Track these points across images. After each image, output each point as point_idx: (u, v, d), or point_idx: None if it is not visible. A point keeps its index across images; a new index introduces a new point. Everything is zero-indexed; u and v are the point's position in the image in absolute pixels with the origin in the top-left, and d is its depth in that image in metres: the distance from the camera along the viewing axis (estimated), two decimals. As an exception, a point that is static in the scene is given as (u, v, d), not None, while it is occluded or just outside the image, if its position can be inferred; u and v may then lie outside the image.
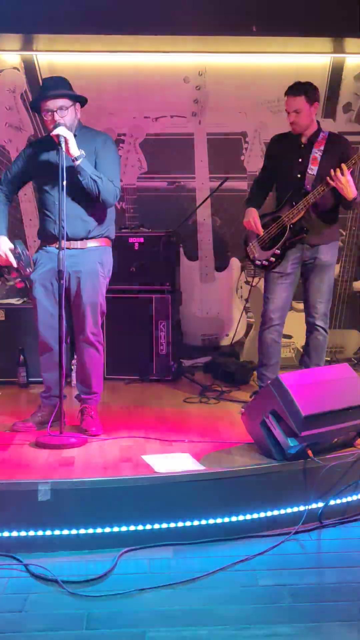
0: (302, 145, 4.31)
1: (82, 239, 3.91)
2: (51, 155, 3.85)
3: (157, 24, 5.15)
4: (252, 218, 4.42)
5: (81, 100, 3.92)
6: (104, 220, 3.96)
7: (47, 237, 3.99)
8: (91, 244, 3.94)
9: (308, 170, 4.25)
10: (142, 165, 5.77)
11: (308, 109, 4.21)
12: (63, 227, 3.68)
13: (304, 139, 4.31)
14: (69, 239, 3.86)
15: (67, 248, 3.85)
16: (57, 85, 3.86)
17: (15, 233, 5.75)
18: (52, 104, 3.80)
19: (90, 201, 3.86)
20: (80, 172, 3.76)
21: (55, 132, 3.70)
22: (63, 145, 3.68)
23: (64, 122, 3.77)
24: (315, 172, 4.23)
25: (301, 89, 4.22)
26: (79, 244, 3.91)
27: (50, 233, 3.94)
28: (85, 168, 3.77)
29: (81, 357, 4.02)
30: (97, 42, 5.43)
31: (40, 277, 3.95)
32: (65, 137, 3.68)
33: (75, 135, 3.82)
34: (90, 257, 3.92)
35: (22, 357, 5.09)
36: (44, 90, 3.88)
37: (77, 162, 3.74)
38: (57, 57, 5.62)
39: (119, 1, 5.07)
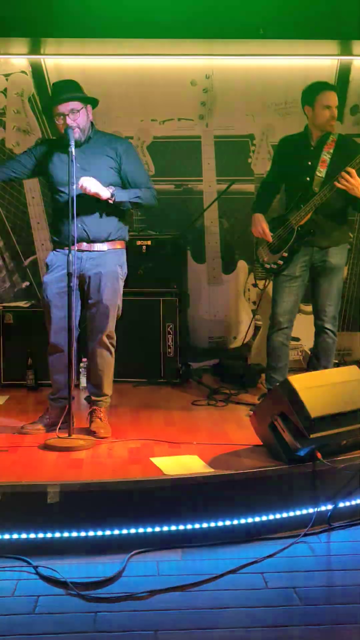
0: (312, 148, 4.30)
1: (103, 241, 3.95)
2: (61, 162, 3.88)
3: (163, 27, 5.16)
4: (260, 226, 4.41)
5: (92, 102, 3.94)
6: (122, 222, 3.99)
7: (64, 240, 3.94)
8: (112, 246, 3.97)
9: (316, 172, 4.24)
10: (149, 168, 5.78)
11: None
12: (74, 231, 3.69)
13: (314, 141, 4.30)
14: (90, 241, 3.92)
15: (88, 250, 3.92)
16: (67, 89, 3.89)
17: (23, 236, 5.78)
18: (64, 107, 3.82)
19: (110, 204, 3.88)
20: (120, 204, 3.84)
21: (82, 186, 3.73)
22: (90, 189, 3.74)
23: (77, 124, 3.81)
24: (323, 175, 4.23)
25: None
26: (100, 246, 3.94)
27: (67, 235, 3.86)
28: (122, 199, 3.84)
29: (94, 359, 4.03)
30: (104, 46, 5.44)
31: (56, 279, 3.95)
32: (93, 190, 3.74)
33: (89, 138, 3.89)
34: (111, 259, 3.96)
35: (30, 360, 5.10)
36: (54, 94, 3.91)
37: (113, 200, 3.81)
38: (64, 60, 5.63)
39: (125, 5, 5.07)
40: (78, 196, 3.77)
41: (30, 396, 4.98)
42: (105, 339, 3.99)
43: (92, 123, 3.95)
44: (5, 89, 5.66)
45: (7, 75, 5.66)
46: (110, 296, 3.94)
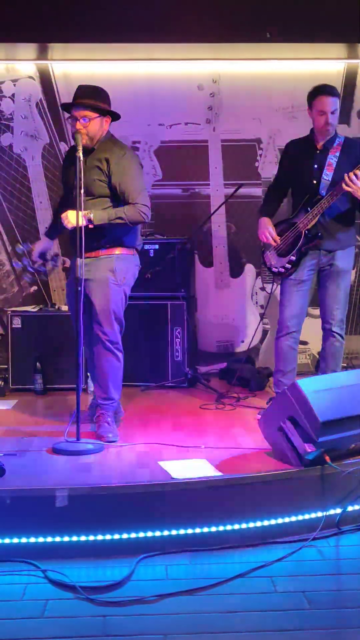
0: (318, 151, 4.30)
1: (95, 249, 3.96)
2: (71, 169, 3.91)
3: (170, 32, 5.18)
4: (267, 230, 4.41)
5: (111, 115, 3.98)
6: (115, 229, 3.97)
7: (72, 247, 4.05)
8: (104, 253, 3.99)
9: (323, 176, 4.24)
10: (156, 172, 5.79)
11: (338, 111, 4.23)
12: (82, 236, 3.72)
13: (319, 145, 4.30)
14: (85, 249, 3.92)
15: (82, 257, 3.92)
16: (87, 95, 3.93)
17: (32, 241, 5.78)
18: (77, 112, 3.89)
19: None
20: (102, 225, 3.85)
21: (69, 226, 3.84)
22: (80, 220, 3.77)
23: (87, 130, 3.87)
24: (330, 178, 4.23)
25: (336, 90, 4.24)
26: (92, 253, 3.96)
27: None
28: (101, 221, 3.84)
29: (99, 362, 4.04)
30: (112, 51, 5.46)
31: (69, 283, 4.18)
32: (69, 226, 3.83)
33: (93, 149, 3.94)
34: (101, 266, 3.97)
35: (38, 364, 5.11)
36: (74, 97, 3.96)
37: (92, 225, 3.82)
38: (72, 65, 5.65)
39: (133, 10, 5.09)
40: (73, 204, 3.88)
41: (38, 401, 4.99)
42: (105, 342, 4.01)
43: (108, 132, 3.99)
44: (13, 95, 5.69)
45: (14, 81, 5.68)
46: (101, 302, 3.96)
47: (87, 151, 3.90)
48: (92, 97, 3.92)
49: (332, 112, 4.20)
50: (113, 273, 3.98)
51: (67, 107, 4.01)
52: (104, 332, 3.99)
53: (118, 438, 3.94)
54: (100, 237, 3.94)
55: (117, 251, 4.01)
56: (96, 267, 3.96)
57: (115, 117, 4.01)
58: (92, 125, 3.88)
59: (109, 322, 3.99)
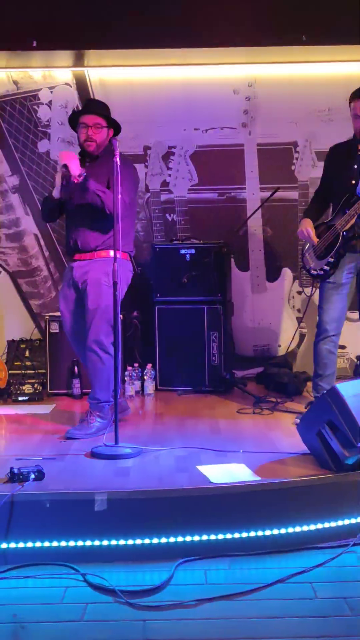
0: (359, 152, 4.27)
1: (91, 251, 4.11)
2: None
3: (205, 36, 5.18)
4: (305, 228, 4.39)
5: (115, 128, 4.16)
6: (111, 232, 3.96)
7: (67, 252, 4.29)
8: (99, 255, 4.09)
9: (361, 176, 4.21)
10: (192, 177, 5.79)
11: None
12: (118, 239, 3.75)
13: (360, 146, 4.27)
14: (80, 252, 4.13)
15: (78, 259, 4.15)
16: (98, 106, 4.20)
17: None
18: (89, 119, 4.10)
19: (98, 215, 4.02)
20: (82, 189, 3.96)
21: (59, 155, 4.04)
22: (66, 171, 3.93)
23: (95, 138, 4.08)
24: (368, 179, 4.19)
25: None
26: (88, 255, 4.12)
27: (69, 247, 4.22)
28: (88, 185, 3.94)
29: (87, 362, 4.17)
30: (147, 56, 5.48)
31: (62, 290, 4.26)
32: (66, 164, 3.92)
33: (97, 157, 4.13)
34: (96, 268, 4.09)
35: (76, 368, 5.14)
36: (84, 107, 4.23)
37: (79, 180, 3.91)
38: (108, 72, 5.69)
39: (167, 15, 5.11)
40: (71, 209, 4.09)
41: (76, 405, 5.02)
42: (91, 343, 4.08)
43: (110, 142, 4.01)
44: (50, 102, 5.74)
45: (51, 88, 5.74)
46: (93, 303, 4.05)
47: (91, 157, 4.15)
48: (102, 108, 4.17)
49: None
50: (107, 275, 4.00)
51: (74, 118, 4.20)
52: (93, 332, 4.06)
53: (82, 437, 4.02)
54: (98, 239, 4.08)
55: (112, 253, 4.01)
56: (90, 269, 4.10)
57: (116, 130, 4.18)
58: (101, 134, 4.10)
59: (99, 323, 4.05)
